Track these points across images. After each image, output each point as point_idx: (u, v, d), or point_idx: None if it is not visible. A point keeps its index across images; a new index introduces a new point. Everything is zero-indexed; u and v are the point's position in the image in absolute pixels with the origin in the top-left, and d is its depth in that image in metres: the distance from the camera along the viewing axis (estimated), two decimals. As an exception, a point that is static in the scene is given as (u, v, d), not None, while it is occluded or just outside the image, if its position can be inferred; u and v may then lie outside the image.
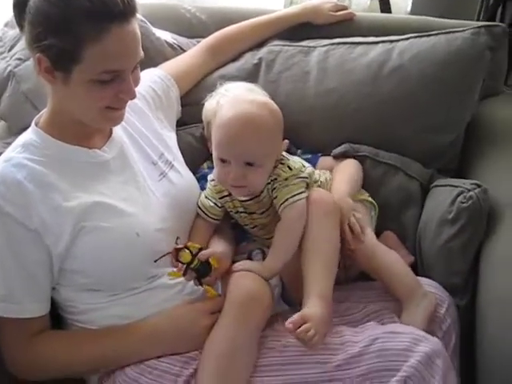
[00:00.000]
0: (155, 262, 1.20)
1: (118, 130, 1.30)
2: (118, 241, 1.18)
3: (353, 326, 1.23)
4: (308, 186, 1.29)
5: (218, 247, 1.31)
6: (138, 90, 1.41)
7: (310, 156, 1.48)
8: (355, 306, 1.30)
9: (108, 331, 1.19)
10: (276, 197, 1.27)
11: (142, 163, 1.30)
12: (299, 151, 1.49)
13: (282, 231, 1.25)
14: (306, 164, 1.35)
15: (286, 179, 1.27)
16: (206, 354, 1.14)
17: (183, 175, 1.34)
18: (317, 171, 1.40)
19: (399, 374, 1.08)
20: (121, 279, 1.19)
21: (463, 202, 1.34)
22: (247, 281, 1.20)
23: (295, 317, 1.12)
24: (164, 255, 1.21)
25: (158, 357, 1.16)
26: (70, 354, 1.17)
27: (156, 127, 1.39)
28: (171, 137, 1.42)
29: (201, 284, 1.21)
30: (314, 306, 1.15)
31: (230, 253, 1.32)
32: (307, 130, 1.51)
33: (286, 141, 1.30)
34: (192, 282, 1.23)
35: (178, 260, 1.20)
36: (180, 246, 1.21)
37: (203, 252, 1.22)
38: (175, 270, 1.21)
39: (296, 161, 1.32)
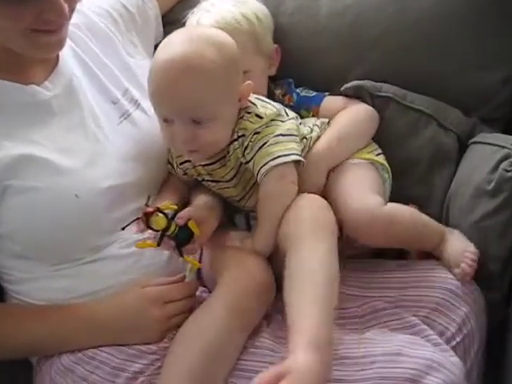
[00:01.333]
0: (123, 229, 0.96)
1: (67, 61, 1.04)
2: (51, 204, 0.94)
3: (350, 324, 0.98)
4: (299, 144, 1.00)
5: (200, 205, 1.05)
6: (101, 5, 1.14)
7: (313, 94, 1.16)
8: (355, 299, 1.03)
9: (42, 311, 0.98)
10: (251, 160, 0.98)
11: (98, 102, 1.05)
12: (299, 89, 1.17)
13: (264, 207, 0.99)
14: (291, 113, 1.05)
15: (258, 133, 0.98)
16: (184, 344, 0.90)
17: (151, 116, 1.05)
18: (311, 121, 1.10)
19: None
20: (57, 249, 0.97)
21: (508, 171, 1.01)
22: (251, 267, 0.97)
23: (269, 372, 0.81)
24: (132, 221, 0.96)
25: (100, 345, 0.95)
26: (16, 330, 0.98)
27: (123, 55, 1.13)
28: (145, 66, 1.12)
29: (180, 254, 0.97)
30: (299, 359, 0.82)
31: (216, 210, 1.06)
32: (315, 61, 1.20)
33: (250, 82, 1.00)
34: (148, 252, 1.00)
35: (149, 227, 0.95)
36: (150, 209, 0.95)
37: (180, 214, 0.98)
38: (146, 238, 0.97)
39: (270, 106, 1.02)
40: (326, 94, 1.16)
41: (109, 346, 0.94)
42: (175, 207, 0.98)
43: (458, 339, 0.97)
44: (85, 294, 0.97)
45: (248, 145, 0.98)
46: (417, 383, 0.84)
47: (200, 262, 1.05)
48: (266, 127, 0.98)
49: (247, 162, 0.99)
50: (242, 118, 0.99)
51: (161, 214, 0.95)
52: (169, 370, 0.88)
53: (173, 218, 0.97)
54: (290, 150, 0.97)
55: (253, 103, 1.00)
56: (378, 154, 1.12)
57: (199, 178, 1.07)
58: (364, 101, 1.13)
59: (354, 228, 1.03)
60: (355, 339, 0.93)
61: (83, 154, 0.98)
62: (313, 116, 1.14)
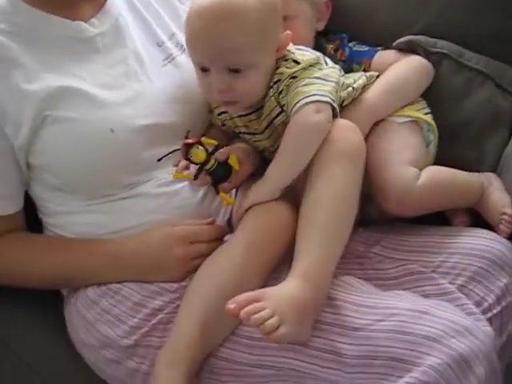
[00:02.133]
0: (159, 160, 0.97)
1: (115, 0, 1.03)
2: (87, 137, 0.94)
3: (378, 286, 0.92)
4: (337, 93, 0.95)
5: (239, 146, 1.02)
6: None
7: (366, 49, 1.11)
8: (390, 261, 0.98)
9: (71, 245, 0.99)
10: (285, 105, 0.94)
11: (143, 43, 1.04)
12: (352, 43, 1.12)
13: (290, 138, 0.92)
14: (333, 64, 1.00)
15: (294, 77, 0.93)
16: (201, 282, 0.89)
17: None
18: (358, 74, 1.04)
19: (411, 375, 0.77)
20: (91, 184, 0.97)
21: None
22: (260, 215, 0.93)
23: (246, 294, 0.81)
24: (171, 152, 0.96)
25: (124, 281, 0.95)
26: (28, 262, 0.99)
27: (173, 1, 1.11)
28: None
29: (216, 191, 0.95)
30: (288, 286, 0.83)
31: (253, 157, 1.03)
32: (370, 17, 1.15)
33: (289, 32, 0.95)
34: (181, 193, 0.98)
35: (188, 159, 0.94)
36: (191, 140, 0.94)
37: (221, 150, 0.96)
38: (183, 170, 0.97)
39: (308, 53, 0.97)
40: (379, 48, 1.11)
41: (132, 282, 0.93)
42: (216, 143, 0.96)
43: (494, 311, 0.91)
44: (115, 231, 0.97)
45: (283, 89, 0.94)
46: (438, 343, 0.78)
47: None
48: (303, 72, 0.94)
49: (282, 108, 0.95)
50: (278, 66, 0.95)
51: (201, 147, 0.93)
52: (185, 306, 0.87)
53: (212, 153, 0.95)
54: (326, 92, 0.92)
55: (290, 51, 0.96)
56: (426, 113, 1.06)
57: (236, 131, 1.04)
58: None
59: (385, 200, 0.99)
60: (382, 294, 0.88)
61: (123, 90, 0.98)
62: (364, 71, 1.09)
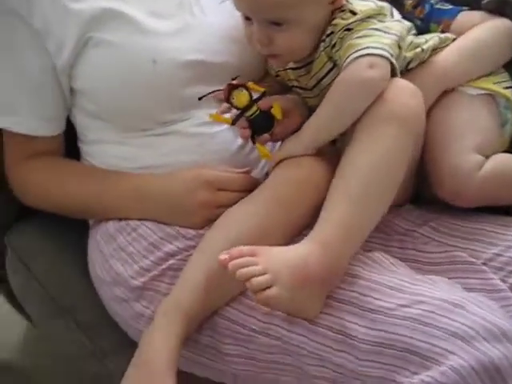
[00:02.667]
0: (200, 99, 0.90)
1: None
2: (128, 64, 0.88)
3: (415, 270, 0.82)
4: (400, 49, 0.83)
5: (287, 97, 0.93)
6: None
7: (449, 7, 0.98)
8: (437, 244, 0.88)
9: (98, 174, 0.95)
10: (338, 60, 0.84)
11: None
12: (434, 0, 0.99)
13: (332, 92, 0.82)
14: (398, 16, 0.88)
15: (349, 29, 0.83)
16: (218, 230, 0.82)
17: None
18: (432, 35, 0.92)
19: (428, 373, 0.67)
20: (128, 114, 0.91)
21: None
22: (291, 169, 0.84)
23: (242, 247, 0.74)
24: (213, 92, 0.89)
25: (144, 218, 0.90)
26: (56, 186, 0.96)
27: None
28: None
29: (253, 140, 0.88)
30: (296, 249, 0.75)
31: (303, 109, 0.93)
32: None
33: None
34: (219, 137, 0.90)
35: (229, 102, 0.87)
36: (236, 82, 0.87)
37: (266, 98, 0.88)
38: (222, 113, 0.89)
39: (370, 3, 0.85)
40: (465, 8, 0.97)
41: (152, 222, 0.88)
42: (263, 90, 0.88)
43: None
44: (145, 167, 0.92)
45: (336, 42, 0.83)
46: (466, 343, 0.67)
47: None
48: (360, 23, 0.83)
49: (335, 64, 0.85)
50: (334, 18, 0.84)
51: (245, 91, 0.86)
52: (196, 256, 0.81)
53: (257, 100, 0.87)
54: (384, 45, 0.81)
55: (349, 2, 0.85)
56: (507, 88, 0.93)
57: (289, 84, 0.95)
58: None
59: (438, 188, 0.89)
60: (414, 277, 0.78)
61: (173, 21, 0.91)
62: (442, 32, 0.96)
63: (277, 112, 0.87)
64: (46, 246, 1.04)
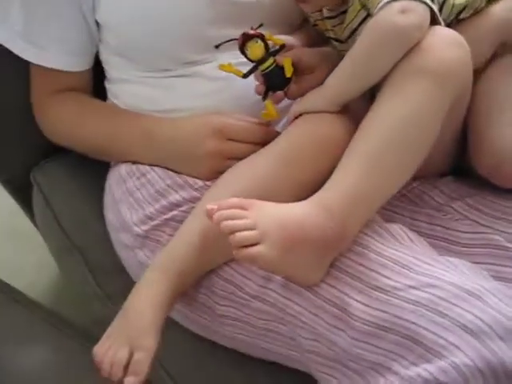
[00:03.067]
0: (217, 47, 0.82)
1: None
2: None
3: (439, 249, 0.74)
4: None
5: (313, 50, 0.84)
6: None
7: None
8: (469, 223, 0.78)
9: (115, 113, 0.90)
10: (371, 7, 0.73)
11: None
12: None
13: (359, 42, 0.72)
14: None
15: None
16: (223, 184, 0.76)
17: None
18: None
19: (426, 366, 0.59)
20: (150, 51, 0.85)
21: None
22: (309, 124, 0.76)
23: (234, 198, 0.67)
24: (228, 41, 0.81)
25: (156, 165, 0.85)
26: (76, 124, 0.92)
27: None
28: None
29: (265, 96, 0.80)
30: (293, 207, 0.68)
31: (331, 63, 0.82)
32: None
33: None
34: (241, 84, 0.81)
35: (243, 52, 0.79)
36: (252, 32, 0.78)
37: (285, 53, 0.80)
38: (232, 64, 0.81)
39: None
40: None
41: (162, 168, 0.83)
42: (282, 42, 0.79)
43: None
44: (163, 110, 0.86)
45: None
46: (477, 339, 0.59)
47: None
48: None
49: (369, 12, 0.74)
50: None
51: (260, 42, 0.77)
52: (196, 210, 0.75)
53: (274, 54, 0.79)
54: None
55: None
56: None
57: (326, 34, 0.84)
58: None
59: (477, 163, 0.79)
60: (432, 256, 0.69)
61: None
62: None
63: (288, 68, 0.77)
64: (68, 184, 1.03)
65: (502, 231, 0.76)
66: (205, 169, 0.80)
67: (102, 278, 0.94)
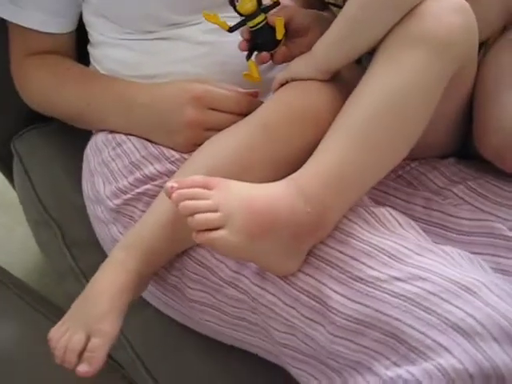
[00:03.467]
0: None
1: None
2: None
3: (435, 236, 0.68)
4: None
5: (307, 12, 0.76)
6: None
7: None
8: (468, 209, 0.70)
9: (92, 77, 0.84)
10: None
11: None
12: None
13: (350, 3, 0.64)
14: None
15: None
16: (201, 153, 0.69)
17: None
18: None
19: (409, 368, 0.53)
20: (130, 11, 0.78)
21: None
22: (294, 93, 0.68)
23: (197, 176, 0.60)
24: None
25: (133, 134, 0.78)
26: (54, 87, 0.85)
27: None
28: None
29: (250, 55, 0.73)
30: (264, 188, 0.60)
31: (324, 25, 0.73)
32: None
33: None
34: (228, 48, 0.75)
35: (233, 5, 0.72)
36: None
37: (278, 12, 0.72)
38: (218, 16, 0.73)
39: None
40: None
41: (138, 138, 0.76)
42: (277, 1, 0.72)
43: None
44: (147, 75, 0.79)
45: None
46: (469, 341, 0.52)
47: None
48: None
49: None
50: None
51: None
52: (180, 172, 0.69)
53: (266, 10, 0.71)
54: None
55: None
56: None
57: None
58: None
59: (481, 145, 0.72)
60: (424, 245, 0.61)
61: None
62: None
63: (279, 29, 0.70)
64: (48, 154, 0.98)
65: (504, 219, 0.69)
66: (182, 139, 0.73)
67: (78, 252, 0.89)
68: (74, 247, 0.89)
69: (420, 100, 0.61)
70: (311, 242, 0.60)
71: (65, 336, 0.61)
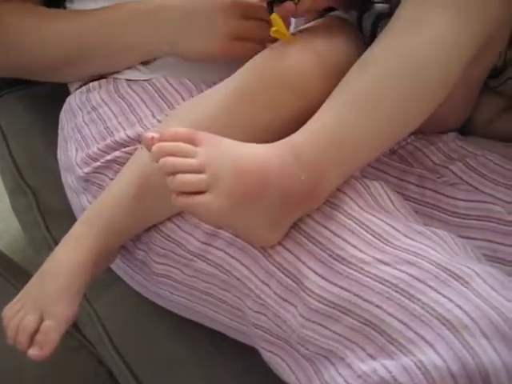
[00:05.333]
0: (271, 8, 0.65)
1: None
2: None
3: (426, 218, 0.61)
4: None
5: None
6: None
7: None
8: (466, 188, 0.63)
9: (85, 12, 0.73)
10: None
11: None
12: None
13: None
14: None
15: None
16: (177, 116, 0.62)
17: None
18: None
19: (385, 362, 0.46)
20: None
21: None
22: (274, 54, 0.60)
23: (180, 129, 0.51)
24: None
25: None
26: (31, 29, 0.74)
27: None
28: None
29: (271, 8, 0.63)
30: (255, 148, 0.52)
31: None
32: None
33: None
34: None
35: None
36: None
37: None
38: None
39: None
40: None
41: (116, 103, 0.68)
42: None
43: None
44: None
45: None
46: (455, 336, 0.45)
47: None
48: None
49: None
50: None
51: None
52: (137, 152, 0.61)
53: None
54: None
55: None
56: None
57: None
58: None
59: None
60: (413, 227, 0.54)
61: None
62: None
63: None
64: (26, 120, 0.92)
65: (504, 201, 0.61)
66: (220, 36, 0.65)
67: (53, 221, 0.83)
68: (49, 216, 0.83)
69: (443, 68, 0.53)
70: (299, 214, 0.53)
71: (18, 315, 0.55)
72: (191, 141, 0.50)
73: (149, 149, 0.50)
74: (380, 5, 0.71)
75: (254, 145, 0.52)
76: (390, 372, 0.45)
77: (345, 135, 0.52)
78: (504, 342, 0.45)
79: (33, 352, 0.54)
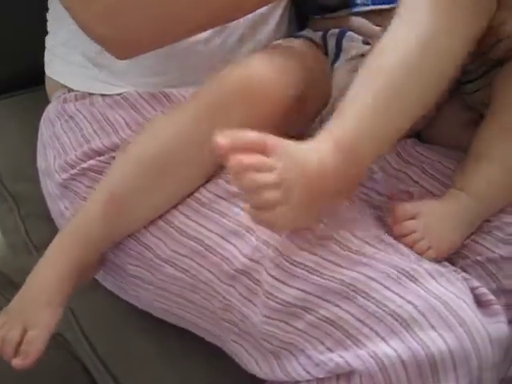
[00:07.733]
0: None
1: None
2: None
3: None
4: None
5: None
6: None
7: None
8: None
9: None
10: None
11: None
12: None
13: None
14: None
15: None
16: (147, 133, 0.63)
17: None
18: None
19: (342, 353, 0.49)
20: None
21: None
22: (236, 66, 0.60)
23: (251, 134, 0.48)
24: None
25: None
26: None
27: None
28: None
29: None
30: (316, 149, 0.50)
31: None
32: None
33: None
34: None
35: None
36: None
37: None
38: None
39: None
40: None
41: (90, 111, 0.69)
42: None
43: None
44: None
45: None
46: (405, 329, 0.48)
47: None
48: None
49: None
50: None
51: None
52: (114, 165, 0.63)
53: None
54: None
55: None
56: None
57: None
58: None
59: None
60: (370, 230, 0.56)
61: None
62: None
63: None
64: (8, 125, 0.92)
65: None
66: None
67: (31, 226, 0.83)
68: (29, 221, 0.84)
69: (456, 48, 0.53)
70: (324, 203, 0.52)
71: (3, 327, 0.57)
72: (264, 149, 0.48)
73: (220, 156, 0.47)
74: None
75: (310, 145, 0.50)
76: (345, 358, 0.48)
77: (379, 127, 0.52)
78: (450, 329, 0.48)
79: (16, 362, 0.56)
